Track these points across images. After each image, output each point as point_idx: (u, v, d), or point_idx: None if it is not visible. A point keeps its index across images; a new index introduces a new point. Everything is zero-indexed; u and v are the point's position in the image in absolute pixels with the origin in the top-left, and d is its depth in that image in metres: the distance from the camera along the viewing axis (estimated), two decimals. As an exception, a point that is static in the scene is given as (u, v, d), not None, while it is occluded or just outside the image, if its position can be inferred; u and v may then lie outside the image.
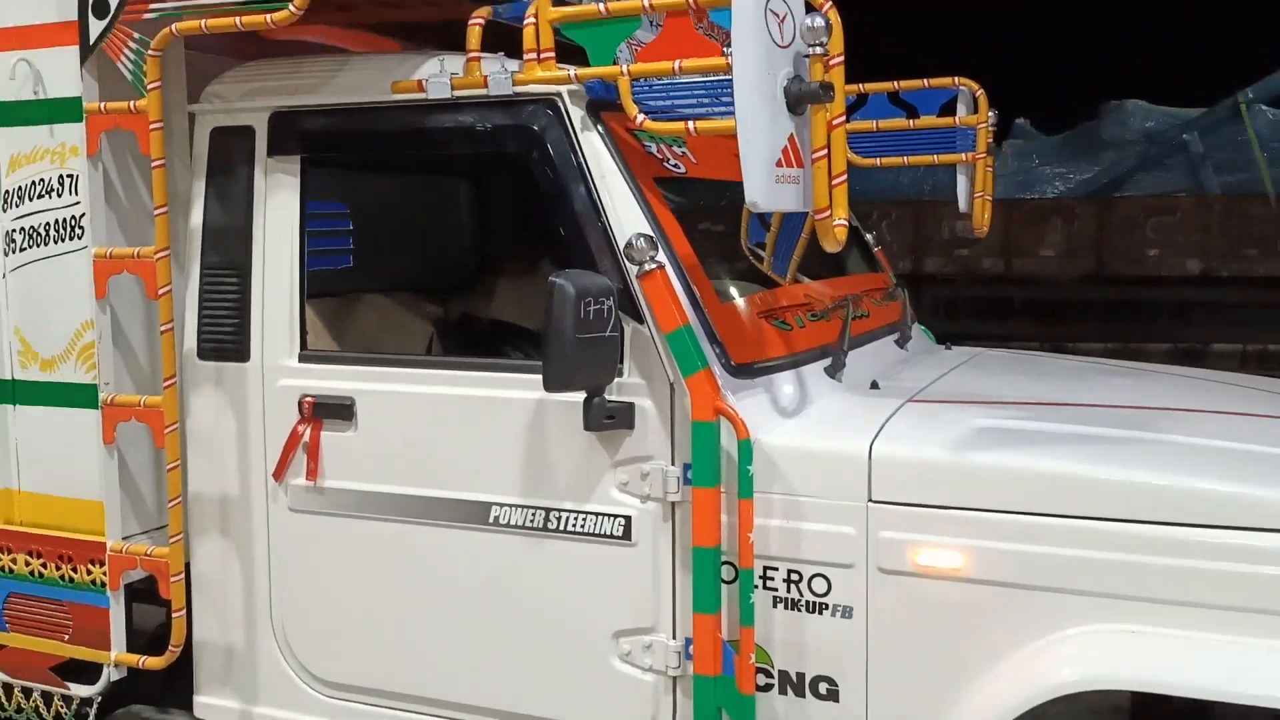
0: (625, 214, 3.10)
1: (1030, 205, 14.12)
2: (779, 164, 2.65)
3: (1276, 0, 14.41)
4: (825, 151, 2.70)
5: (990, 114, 4.61)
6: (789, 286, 3.62)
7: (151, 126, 3.39)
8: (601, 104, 3.22)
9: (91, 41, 3.46)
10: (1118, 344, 12.70)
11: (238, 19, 3.26)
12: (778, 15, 2.66)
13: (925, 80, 4.65)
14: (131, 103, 3.42)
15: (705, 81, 3.07)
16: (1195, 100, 14.14)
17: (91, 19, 3.45)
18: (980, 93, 4.59)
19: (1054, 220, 14.19)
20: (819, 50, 2.66)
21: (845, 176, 2.79)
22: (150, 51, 3.36)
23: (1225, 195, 13.67)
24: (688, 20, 3.00)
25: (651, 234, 3.01)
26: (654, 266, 2.94)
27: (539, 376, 2.99)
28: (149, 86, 3.38)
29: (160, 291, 3.47)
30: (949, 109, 4.73)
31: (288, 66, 3.60)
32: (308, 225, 3.55)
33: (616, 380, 3.08)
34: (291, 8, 3.18)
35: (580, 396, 3.06)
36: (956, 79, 4.63)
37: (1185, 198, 13.72)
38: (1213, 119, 13.89)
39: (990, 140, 4.65)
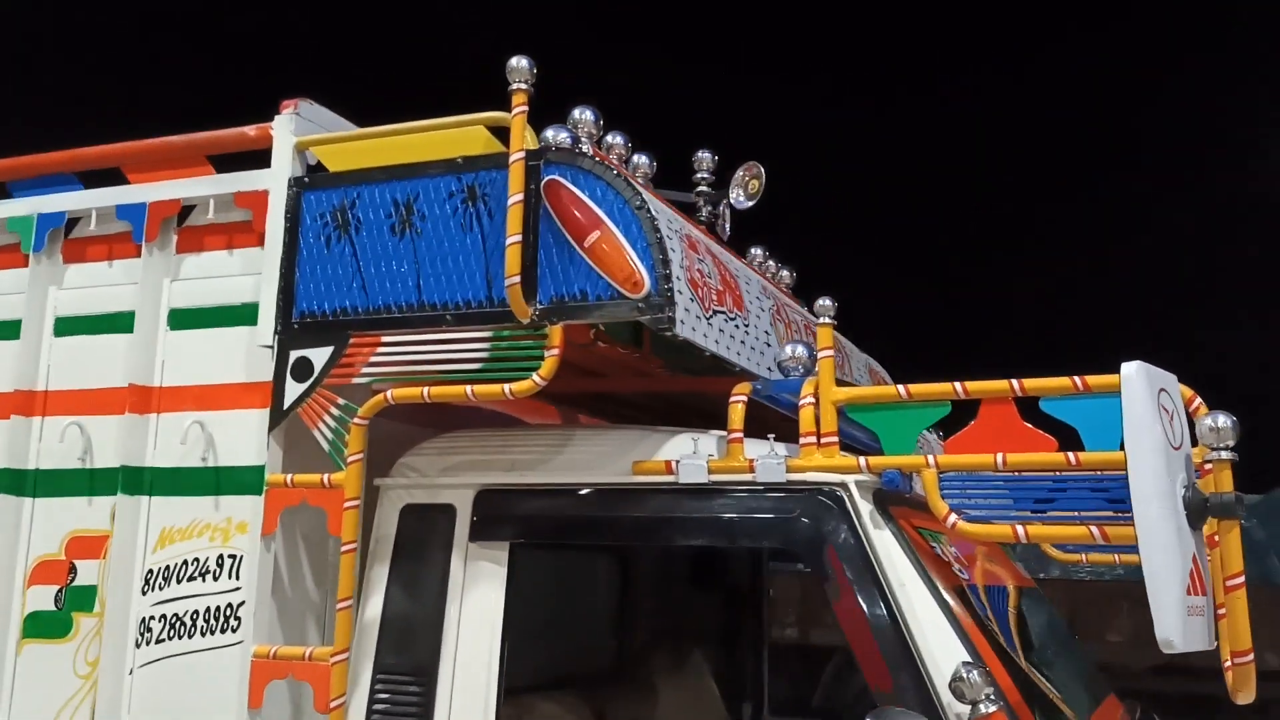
0: (935, 635, 2.56)
1: (1097, 587, 13.53)
2: (1189, 591, 2.15)
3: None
4: (1242, 579, 2.20)
5: None
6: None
7: (347, 504, 2.92)
8: (886, 496, 2.76)
9: (286, 406, 3.05)
10: (1194, 742, 11.75)
11: (469, 389, 2.86)
12: (1167, 411, 2.25)
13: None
14: (326, 476, 2.96)
15: (1027, 478, 2.64)
16: (1248, 485, 13.93)
17: (289, 381, 3.06)
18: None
19: (1121, 604, 13.57)
20: (1226, 455, 2.23)
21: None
22: (356, 420, 2.94)
23: (1300, 586, 13.14)
24: (1008, 407, 2.60)
25: (979, 665, 2.45)
26: (993, 709, 2.36)
27: None
28: (350, 459, 2.94)
29: (332, 704, 2.86)
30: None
31: (497, 439, 3.18)
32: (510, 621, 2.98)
33: None
34: (536, 378, 2.79)
35: None
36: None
37: (1261, 588, 13.16)
38: (1271, 504, 13.61)
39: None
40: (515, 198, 2.82)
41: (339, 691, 2.87)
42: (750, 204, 3.98)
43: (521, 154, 2.83)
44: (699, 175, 4.10)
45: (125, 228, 3.41)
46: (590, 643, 3.77)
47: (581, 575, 3.78)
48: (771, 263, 4.66)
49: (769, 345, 3.38)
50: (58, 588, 3.31)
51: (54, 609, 3.30)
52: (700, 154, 4.13)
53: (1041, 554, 4.62)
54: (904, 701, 2.49)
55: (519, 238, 2.80)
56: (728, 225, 4.13)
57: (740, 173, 4.00)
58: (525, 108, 2.86)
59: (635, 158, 3.68)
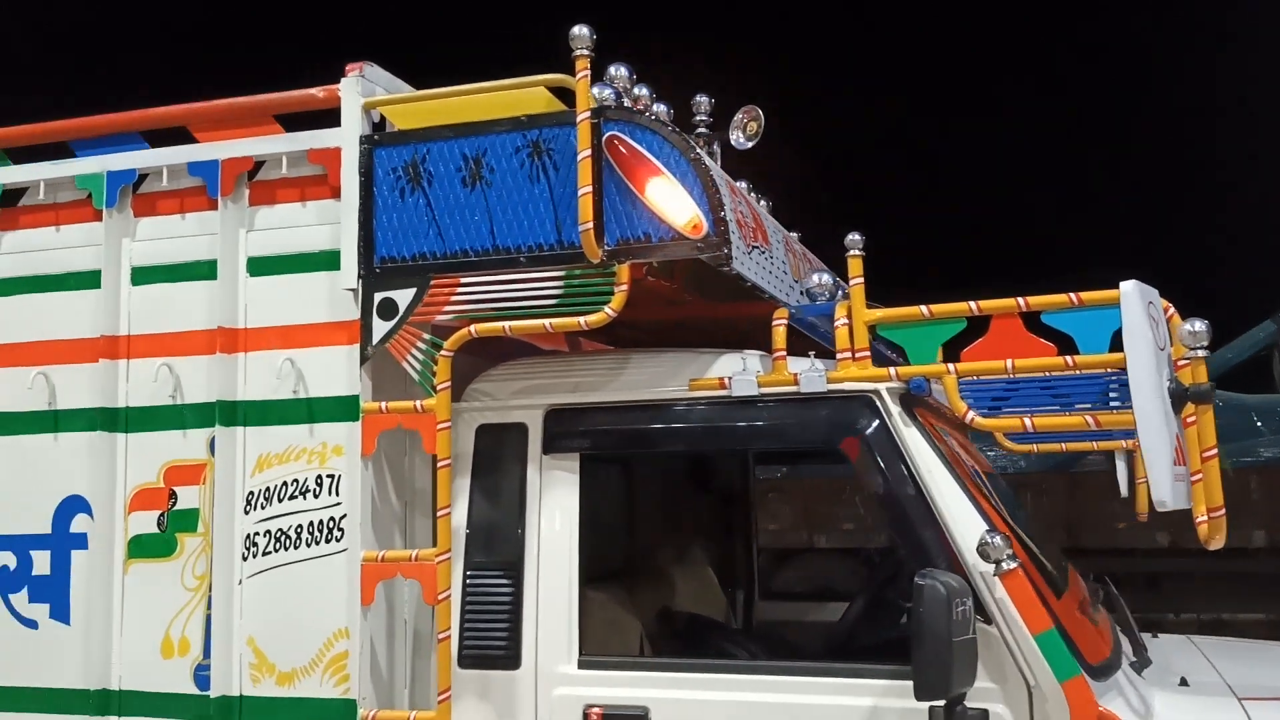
0: (959, 510, 3.09)
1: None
2: (1175, 463, 2.71)
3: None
4: (1215, 450, 2.77)
5: None
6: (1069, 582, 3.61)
7: (440, 426, 3.33)
8: (910, 398, 3.28)
9: (375, 341, 3.43)
10: (1093, 614, 12.87)
11: (547, 322, 3.28)
12: (1154, 320, 2.79)
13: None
14: (418, 402, 3.36)
15: (1035, 379, 3.19)
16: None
17: (376, 320, 3.44)
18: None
19: (1023, 494, 14.64)
20: (1201, 353, 2.78)
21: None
22: (443, 352, 3.34)
23: (1187, 469, 14.25)
24: (1015, 321, 3.13)
25: (999, 532, 2.99)
26: (1014, 565, 2.91)
27: (878, 682, 2.92)
28: (439, 386, 3.34)
29: (440, 597, 3.30)
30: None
31: (560, 364, 3.61)
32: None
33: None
34: (608, 310, 3.22)
35: (914, 703, 2.93)
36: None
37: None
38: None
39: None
40: (584, 153, 3.21)
41: (445, 586, 3.30)
42: (749, 144, 4.40)
43: (588, 113, 3.22)
44: (697, 118, 4.51)
45: (195, 183, 3.70)
46: (637, 536, 4.25)
47: (629, 480, 4.25)
48: (754, 194, 5.13)
49: (785, 273, 3.86)
50: (159, 512, 3.66)
51: (157, 531, 3.65)
52: (698, 98, 4.54)
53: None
54: (936, 567, 3.03)
55: (589, 188, 3.20)
56: (719, 164, 4.57)
57: (739, 115, 4.41)
58: (588, 72, 3.24)
59: (655, 106, 4.08)
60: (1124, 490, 4.85)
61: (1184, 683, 3.36)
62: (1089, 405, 4.10)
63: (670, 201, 3.19)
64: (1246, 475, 13.63)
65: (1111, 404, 4.01)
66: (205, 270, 3.68)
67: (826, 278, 3.53)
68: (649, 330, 4.32)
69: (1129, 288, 2.77)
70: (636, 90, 3.81)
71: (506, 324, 3.32)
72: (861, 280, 3.29)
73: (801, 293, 3.81)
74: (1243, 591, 13.39)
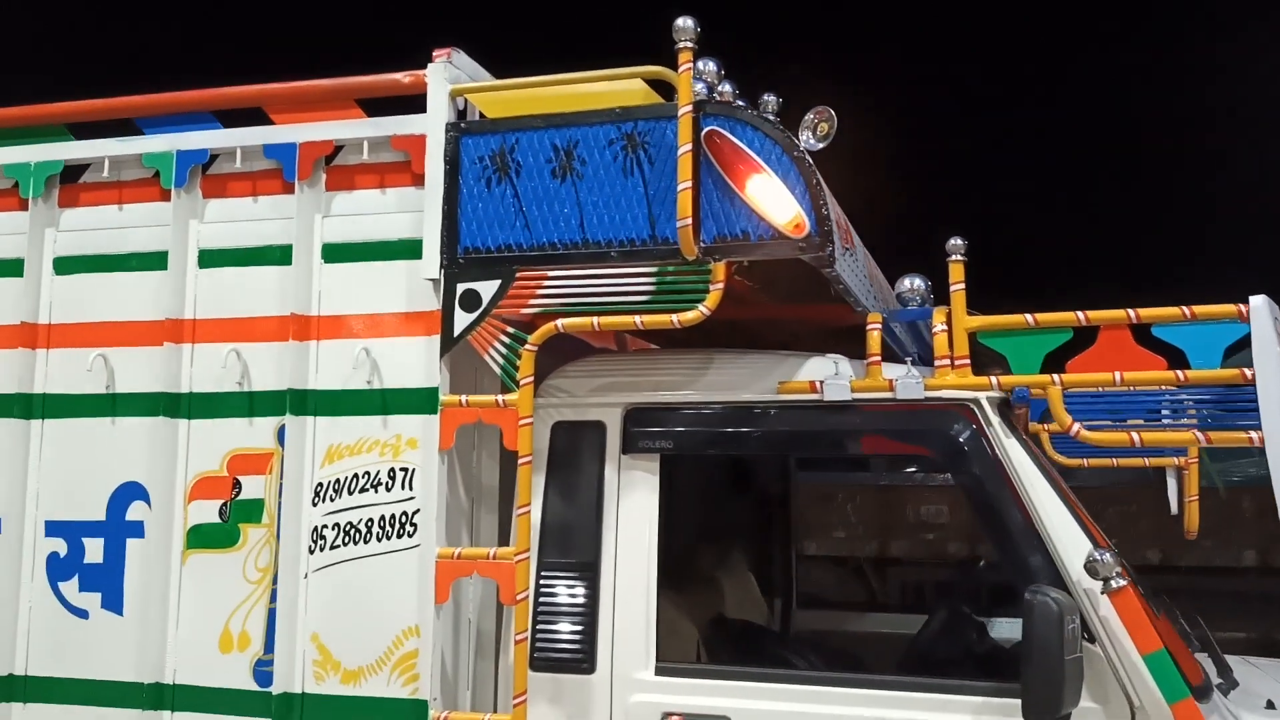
0: (1063, 525, 3.02)
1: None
2: (1299, 482, 2.65)
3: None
4: (1339, 471, 2.72)
5: None
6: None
7: (522, 422, 3.24)
8: (1007, 409, 3.21)
9: (456, 334, 3.34)
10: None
11: (638, 319, 3.20)
12: (1278, 335, 2.73)
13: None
14: (500, 397, 3.28)
15: (1087, 394, 3.15)
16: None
17: (458, 311, 3.35)
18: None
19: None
20: (1328, 373, 2.73)
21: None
22: (527, 346, 3.25)
23: (1177, 486, 14.26)
24: (1124, 332, 3.07)
25: (1108, 549, 2.93)
26: (1123, 584, 2.84)
27: (975, 699, 2.86)
28: (522, 381, 3.25)
29: (518, 597, 3.21)
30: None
31: (640, 362, 3.53)
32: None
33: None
34: (703, 308, 3.15)
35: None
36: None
37: (1141, 489, 14.32)
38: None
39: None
40: (685, 147, 3.13)
41: (523, 586, 3.21)
42: (821, 145, 4.32)
43: (690, 107, 3.14)
44: (765, 116, 4.44)
45: (269, 165, 3.60)
46: (710, 540, 4.18)
47: (701, 482, 4.17)
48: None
49: (865, 277, 3.78)
50: (222, 501, 3.55)
51: (219, 521, 3.54)
52: (765, 97, 4.46)
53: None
54: (1038, 582, 2.95)
55: (689, 184, 3.12)
56: None
57: (810, 115, 4.33)
58: (691, 64, 3.16)
59: (736, 103, 4.00)
60: (1174, 508, 4.81)
61: (1271, 705, 3.31)
62: (1141, 421, 4.06)
63: (772, 199, 3.12)
64: (1239, 494, 13.65)
65: (1164, 421, 3.97)
66: (277, 255, 3.58)
67: (919, 282, 3.47)
68: (697, 329, 4.25)
69: (1259, 302, 2.71)
70: (721, 86, 3.73)
71: (595, 319, 3.24)
72: (963, 286, 3.22)
73: (875, 297, 3.74)
74: (1229, 610, 13.41)
